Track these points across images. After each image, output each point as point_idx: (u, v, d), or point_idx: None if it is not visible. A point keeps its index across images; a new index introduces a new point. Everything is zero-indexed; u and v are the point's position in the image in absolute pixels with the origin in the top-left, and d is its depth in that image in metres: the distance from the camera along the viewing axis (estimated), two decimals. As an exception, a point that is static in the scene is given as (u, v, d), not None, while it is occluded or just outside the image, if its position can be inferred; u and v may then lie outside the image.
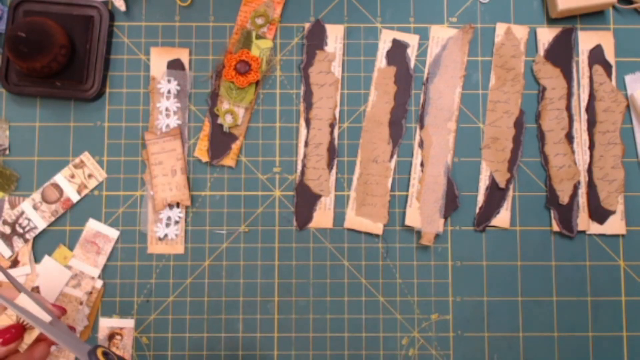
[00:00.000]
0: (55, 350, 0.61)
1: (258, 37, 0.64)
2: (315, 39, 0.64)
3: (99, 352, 0.45)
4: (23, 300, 0.47)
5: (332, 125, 0.64)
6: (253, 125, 0.64)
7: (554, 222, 0.63)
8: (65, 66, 0.62)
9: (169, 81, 0.64)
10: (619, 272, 0.63)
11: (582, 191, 0.63)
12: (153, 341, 0.62)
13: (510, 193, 0.63)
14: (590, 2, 0.63)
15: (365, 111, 0.64)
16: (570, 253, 0.63)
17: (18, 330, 0.46)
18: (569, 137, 0.63)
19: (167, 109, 0.64)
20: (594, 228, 0.63)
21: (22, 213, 0.62)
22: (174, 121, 0.63)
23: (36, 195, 0.63)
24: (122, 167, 0.64)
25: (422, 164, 0.63)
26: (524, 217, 0.63)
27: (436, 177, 0.63)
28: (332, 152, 0.64)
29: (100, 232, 0.63)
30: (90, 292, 0.62)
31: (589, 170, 0.63)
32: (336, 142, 0.64)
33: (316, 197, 0.63)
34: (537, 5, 0.65)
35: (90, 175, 0.63)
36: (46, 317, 0.46)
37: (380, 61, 0.64)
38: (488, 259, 0.63)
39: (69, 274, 0.62)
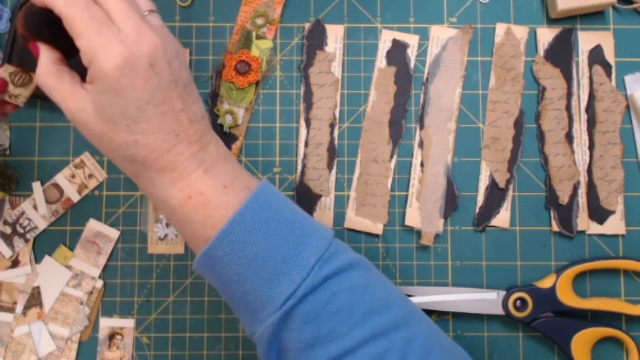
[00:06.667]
0: None
1: (258, 37, 0.64)
2: (315, 39, 0.64)
3: None
4: None
5: (332, 126, 0.64)
6: (253, 125, 0.64)
7: (553, 222, 0.63)
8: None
9: (169, 81, 0.64)
10: (619, 272, 0.63)
11: (582, 191, 0.63)
12: (153, 341, 0.62)
13: (510, 193, 0.63)
14: (590, 2, 0.63)
15: (365, 111, 0.64)
16: (570, 253, 0.63)
17: None
18: (569, 137, 0.63)
19: (167, 109, 0.64)
20: (594, 228, 0.63)
21: (23, 213, 0.62)
22: (174, 121, 0.63)
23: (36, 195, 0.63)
24: (122, 167, 0.64)
25: (422, 164, 0.63)
26: (524, 217, 0.63)
27: (436, 177, 0.63)
28: (332, 152, 0.64)
29: (101, 232, 0.63)
30: (91, 292, 0.62)
31: (589, 170, 0.63)
32: (336, 142, 0.64)
33: (316, 197, 0.63)
34: (537, 5, 0.65)
35: (90, 175, 0.63)
36: None
37: (380, 61, 0.64)
38: (488, 259, 0.63)
39: (70, 274, 0.62)
